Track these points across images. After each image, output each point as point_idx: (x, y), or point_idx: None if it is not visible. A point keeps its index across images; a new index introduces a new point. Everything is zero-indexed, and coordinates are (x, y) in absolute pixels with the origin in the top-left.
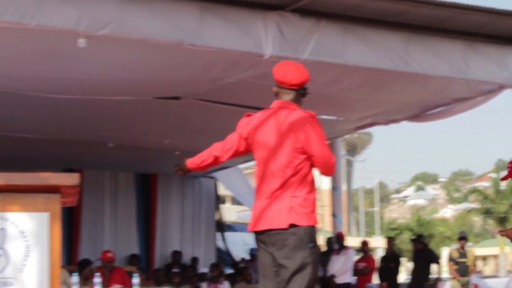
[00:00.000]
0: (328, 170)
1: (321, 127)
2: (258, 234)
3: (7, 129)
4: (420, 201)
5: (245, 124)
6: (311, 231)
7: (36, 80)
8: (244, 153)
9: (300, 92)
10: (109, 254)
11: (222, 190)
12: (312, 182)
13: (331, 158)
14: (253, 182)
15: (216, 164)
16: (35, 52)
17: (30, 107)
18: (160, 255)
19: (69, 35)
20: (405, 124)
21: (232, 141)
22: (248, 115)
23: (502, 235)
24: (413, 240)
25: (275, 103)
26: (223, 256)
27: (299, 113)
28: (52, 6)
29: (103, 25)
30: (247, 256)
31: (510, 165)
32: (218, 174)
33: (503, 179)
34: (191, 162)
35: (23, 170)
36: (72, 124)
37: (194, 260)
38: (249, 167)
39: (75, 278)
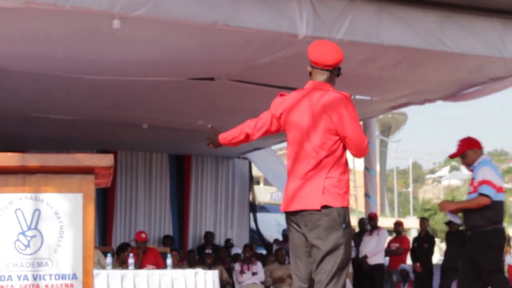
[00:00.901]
0: (360, 152)
1: (355, 108)
2: (290, 214)
3: (42, 110)
4: (455, 182)
5: (279, 104)
6: (344, 212)
7: (71, 62)
8: (276, 133)
9: (334, 72)
10: (143, 235)
11: (256, 171)
12: (345, 163)
13: (363, 140)
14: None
15: (247, 141)
16: (70, 34)
17: (65, 88)
18: (193, 236)
19: (104, 16)
20: (440, 104)
21: (264, 120)
22: (282, 95)
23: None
24: (448, 223)
25: (309, 84)
26: (255, 237)
27: (333, 94)
28: None
29: (138, 6)
30: (280, 237)
31: (460, 143)
32: (251, 155)
33: (452, 156)
34: (223, 137)
35: (58, 151)
36: (107, 105)
37: (228, 241)
38: (283, 148)
39: (108, 259)
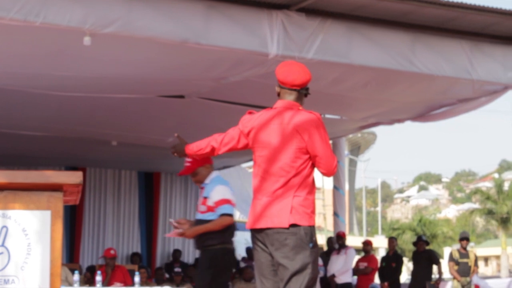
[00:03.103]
0: (330, 171)
1: (325, 129)
2: (256, 232)
3: (11, 126)
4: (423, 201)
5: (247, 121)
6: (311, 231)
7: (40, 78)
8: (242, 149)
9: (302, 92)
10: (112, 251)
11: None
12: (312, 183)
13: (333, 159)
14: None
15: (212, 155)
16: (40, 50)
17: (35, 104)
18: (161, 253)
19: (75, 33)
20: (409, 124)
21: (231, 136)
22: (250, 113)
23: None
24: (415, 243)
25: (279, 103)
26: None
27: (305, 114)
28: (58, 4)
29: (109, 23)
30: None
31: (189, 159)
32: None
33: (182, 174)
34: (189, 148)
35: (27, 168)
36: (76, 122)
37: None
38: (251, 167)
39: (76, 276)
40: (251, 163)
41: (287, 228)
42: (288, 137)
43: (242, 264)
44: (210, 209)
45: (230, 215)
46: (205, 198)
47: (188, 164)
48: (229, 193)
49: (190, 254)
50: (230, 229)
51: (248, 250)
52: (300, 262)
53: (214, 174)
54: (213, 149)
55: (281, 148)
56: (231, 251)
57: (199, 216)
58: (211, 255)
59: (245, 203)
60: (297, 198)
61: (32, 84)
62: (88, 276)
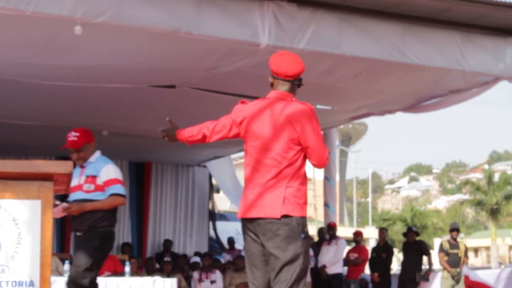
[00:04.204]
0: (321, 163)
1: (318, 120)
2: (247, 222)
3: (1, 115)
4: (414, 192)
5: (240, 110)
6: (303, 221)
7: (31, 67)
8: (233, 138)
9: (295, 83)
10: None
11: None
12: (304, 175)
13: (325, 151)
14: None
15: (204, 142)
16: (31, 39)
17: (25, 94)
18: (152, 243)
19: (66, 23)
20: (400, 115)
21: (223, 124)
22: (243, 102)
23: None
24: (405, 234)
25: (272, 94)
26: (214, 245)
27: (298, 105)
28: None
29: (100, 12)
30: (239, 246)
31: (78, 134)
32: (210, 165)
33: (66, 147)
34: (180, 133)
35: (17, 157)
36: (67, 111)
37: (197, 254)
38: (242, 157)
39: (66, 266)
40: (241, 154)
41: (279, 219)
42: (280, 128)
43: (227, 256)
44: (99, 188)
45: (123, 196)
46: (93, 176)
47: (74, 139)
48: (120, 174)
49: (181, 244)
50: (116, 211)
51: (230, 240)
52: (292, 253)
53: (98, 153)
54: (204, 137)
55: (273, 139)
56: (114, 234)
57: (82, 196)
58: (101, 236)
59: (236, 193)
60: (289, 189)
61: (23, 73)
62: None
